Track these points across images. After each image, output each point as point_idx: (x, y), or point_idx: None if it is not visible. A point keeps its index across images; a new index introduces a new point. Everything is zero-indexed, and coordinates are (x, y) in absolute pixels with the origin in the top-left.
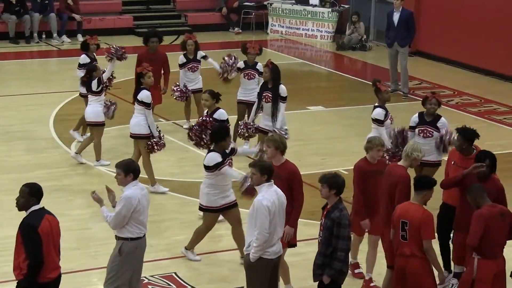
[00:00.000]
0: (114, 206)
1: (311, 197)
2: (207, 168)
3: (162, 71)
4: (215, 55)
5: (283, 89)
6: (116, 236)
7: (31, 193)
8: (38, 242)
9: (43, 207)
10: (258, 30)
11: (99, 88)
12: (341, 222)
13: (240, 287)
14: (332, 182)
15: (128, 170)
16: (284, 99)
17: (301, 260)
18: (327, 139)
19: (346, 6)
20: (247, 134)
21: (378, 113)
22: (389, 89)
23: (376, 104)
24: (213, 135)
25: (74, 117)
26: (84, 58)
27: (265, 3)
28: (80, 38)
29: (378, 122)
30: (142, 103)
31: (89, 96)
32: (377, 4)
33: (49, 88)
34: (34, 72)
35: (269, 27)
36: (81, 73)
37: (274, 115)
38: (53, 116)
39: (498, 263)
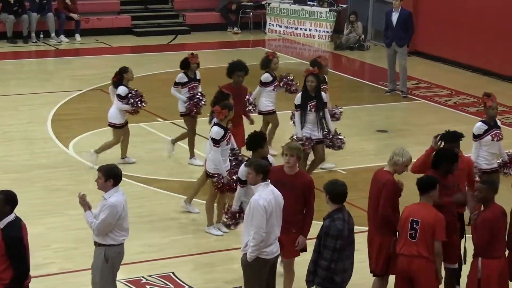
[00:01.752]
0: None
1: None
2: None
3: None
4: (213, 54)
5: (325, 96)
6: (96, 243)
7: (6, 201)
8: (24, 253)
9: (15, 214)
10: (256, 30)
11: (124, 96)
12: (329, 232)
13: (238, 287)
14: (330, 189)
15: (109, 175)
16: (326, 105)
17: (300, 260)
18: None
19: (344, 5)
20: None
21: (476, 127)
22: (495, 104)
23: (482, 118)
24: (249, 143)
25: (72, 117)
26: (181, 77)
27: (263, 2)
28: (78, 38)
29: (473, 136)
30: (212, 139)
31: (115, 98)
32: (375, 3)
33: (47, 88)
34: (32, 72)
35: (267, 26)
36: (175, 91)
37: (319, 123)
38: (51, 116)
39: (501, 261)
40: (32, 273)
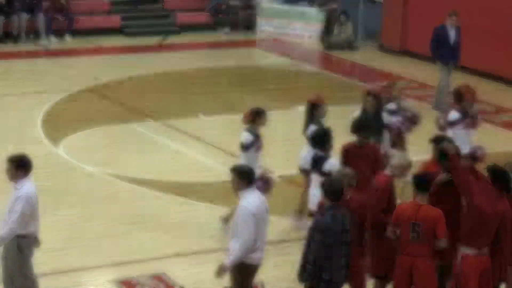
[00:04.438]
0: None
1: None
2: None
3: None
4: (203, 55)
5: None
6: None
7: None
8: None
9: None
10: (246, 30)
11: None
12: (316, 226)
13: (228, 287)
14: (325, 185)
15: (19, 165)
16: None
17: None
18: None
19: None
20: None
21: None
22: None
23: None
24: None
25: (62, 117)
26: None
27: (254, 2)
28: (68, 38)
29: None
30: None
31: None
32: (366, 4)
33: (37, 88)
34: (21, 72)
35: (258, 26)
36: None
37: None
38: (41, 116)
39: (482, 259)
40: None
